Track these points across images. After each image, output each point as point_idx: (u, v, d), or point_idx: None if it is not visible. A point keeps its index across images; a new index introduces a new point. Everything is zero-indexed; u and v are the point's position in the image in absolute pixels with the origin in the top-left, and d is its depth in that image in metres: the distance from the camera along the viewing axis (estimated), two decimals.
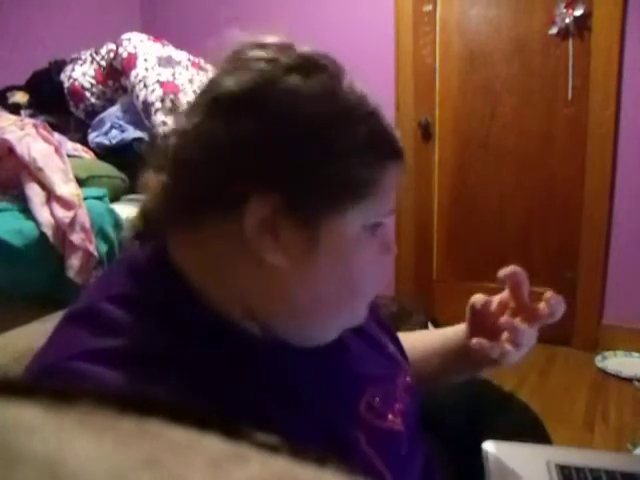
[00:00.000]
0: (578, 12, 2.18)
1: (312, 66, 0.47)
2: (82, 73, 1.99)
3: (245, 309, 0.48)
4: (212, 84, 0.48)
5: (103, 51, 2.00)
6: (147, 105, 1.76)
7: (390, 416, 0.56)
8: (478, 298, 0.66)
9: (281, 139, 0.45)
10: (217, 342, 0.46)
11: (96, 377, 0.40)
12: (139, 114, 1.82)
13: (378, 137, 0.49)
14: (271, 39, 0.49)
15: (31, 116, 1.92)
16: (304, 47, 0.49)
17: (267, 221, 0.44)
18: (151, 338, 0.44)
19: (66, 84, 2.00)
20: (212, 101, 0.47)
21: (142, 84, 1.81)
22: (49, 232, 1.37)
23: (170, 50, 1.95)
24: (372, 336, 0.63)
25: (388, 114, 0.51)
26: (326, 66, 0.47)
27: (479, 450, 0.72)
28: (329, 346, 0.56)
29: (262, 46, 0.48)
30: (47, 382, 0.42)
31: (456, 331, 0.71)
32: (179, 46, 2.00)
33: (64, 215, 1.39)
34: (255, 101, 0.45)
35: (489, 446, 0.72)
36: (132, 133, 1.81)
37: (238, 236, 0.45)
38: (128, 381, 0.40)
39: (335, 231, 0.47)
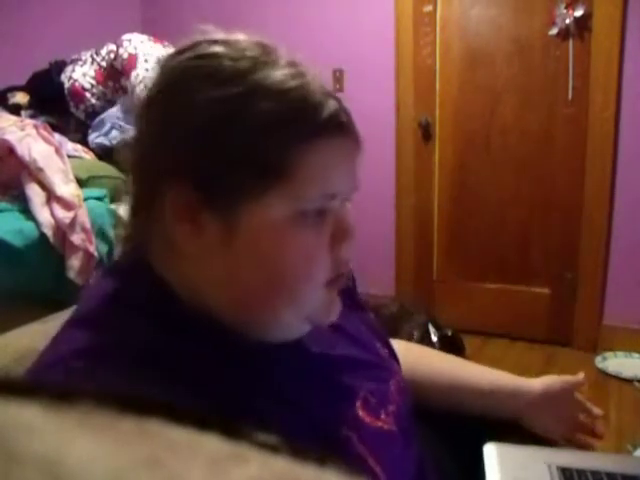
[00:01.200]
0: (578, 13, 2.18)
1: (221, 54, 0.46)
2: (82, 74, 1.99)
3: (200, 303, 0.48)
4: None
5: (103, 52, 2.00)
6: None
7: (383, 416, 0.56)
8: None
9: (180, 126, 0.46)
10: (204, 340, 0.47)
11: (94, 375, 0.41)
12: None
13: (294, 114, 0.45)
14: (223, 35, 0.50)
15: (31, 117, 1.92)
16: (240, 35, 0.49)
17: (183, 208, 0.45)
18: (141, 335, 0.45)
19: (66, 85, 2.00)
20: (135, 113, 0.51)
21: (143, 85, 1.81)
22: (49, 232, 1.37)
23: (171, 51, 1.95)
24: (363, 340, 0.63)
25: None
26: (246, 54, 0.46)
27: (480, 452, 0.72)
28: (322, 346, 0.56)
29: (182, 51, 0.49)
30: (47, 382, 0.42)
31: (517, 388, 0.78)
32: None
33: (64, 215, 1.39)
34: (155, 100, 0.48)
35: (490, 448, 0.72)
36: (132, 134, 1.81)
37: (166, 228, 0.47)
38: (123, 376, 0.40)
39: (255, 218, 0.45)
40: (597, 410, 0.75)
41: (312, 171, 0.46)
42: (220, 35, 0.49)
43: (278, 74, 0.45)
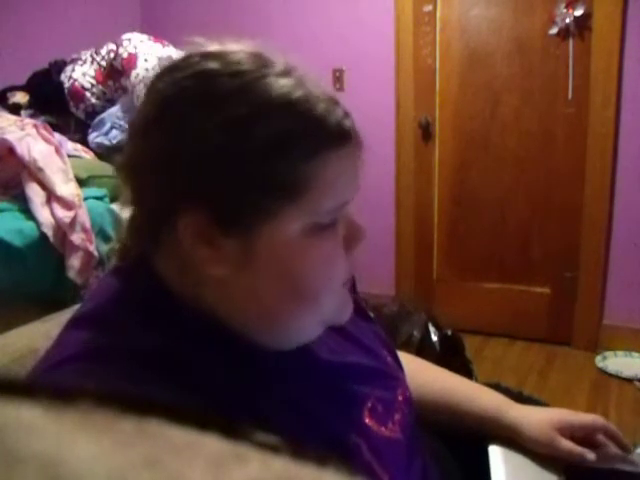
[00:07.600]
0: (578, 12, 2.18)
1: (216, 72, 0.45)
2: (82, 73, 1.99)
3: (212, 315, 0.48)
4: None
5: (103, 51, 2.00)
6: None
7: (390, 425, 0.56)
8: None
9: (189, 152, 0.44)
10: (210, 344, 0.47)
11: (96, 376, 0.41)
12: None
13: (303, 129, 0.45)
14: (216, 46, 0.48)
15: (31, 116, 1.92)
16: (232, 45, 0.48)
17: (199, 234, 0.44)
18: (144, 336, 0.45)
19: (66, 84, 2.00)
20: (130, 126, 0.49)
21: (142, 84, 1.81)
22: (49, 232, 1.37)
23: (170, 50, 1.95)
24: (371, 348, 0.63)
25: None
26: (241, 69, 0.45)
27: (486, 453, 0.71)
28: (331, 353, 0.56)
29: (175, 67, 0.47)
30: (47, 382, 0.42)
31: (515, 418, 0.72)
32: (179, 46, 2.00)
33: (64, 215, 1.39)
34: (153, 123, 0.46)
35: (495, 448, 0.72)
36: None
37: (180, 249, 0.46)
38: (127, 379, 0.40)
39: (272, 237, 0.45)
40: (591, 455, 0.68)
41: (325, 184, 0.45)
42: (213, 47, 0.48)
43: (279, 86, 0.44)
